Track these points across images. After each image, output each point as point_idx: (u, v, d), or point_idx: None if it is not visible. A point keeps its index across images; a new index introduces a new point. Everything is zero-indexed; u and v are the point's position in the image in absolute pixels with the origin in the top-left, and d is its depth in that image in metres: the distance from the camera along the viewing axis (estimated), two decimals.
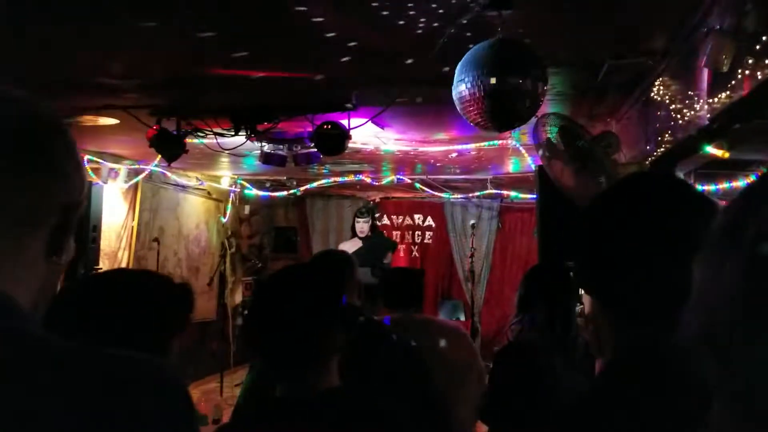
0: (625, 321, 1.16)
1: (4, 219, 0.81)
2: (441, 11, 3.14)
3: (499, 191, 9.36)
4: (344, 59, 3.88)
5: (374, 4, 3.08)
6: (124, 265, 7.35)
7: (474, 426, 3.37)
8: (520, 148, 6.47)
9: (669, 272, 1.13)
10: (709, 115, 2.91)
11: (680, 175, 4.49)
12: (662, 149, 3.83)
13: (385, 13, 3.17)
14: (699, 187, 4.89)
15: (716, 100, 2.79)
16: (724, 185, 5.77)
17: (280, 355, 1.68)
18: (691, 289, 1.17)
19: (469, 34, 3.35)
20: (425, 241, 10.57)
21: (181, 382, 0.83)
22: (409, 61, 3.88)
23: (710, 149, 3.50)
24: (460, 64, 2.98)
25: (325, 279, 1.78)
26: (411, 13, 3.19)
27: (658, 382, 1.08)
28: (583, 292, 1.26)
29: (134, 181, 7.62)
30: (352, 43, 3.62)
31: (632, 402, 1.07)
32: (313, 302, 1.71)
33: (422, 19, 3.26)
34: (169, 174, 8.23)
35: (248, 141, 5.35)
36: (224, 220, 9.74)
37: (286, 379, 1.69)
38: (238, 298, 9.77)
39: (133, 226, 7.70)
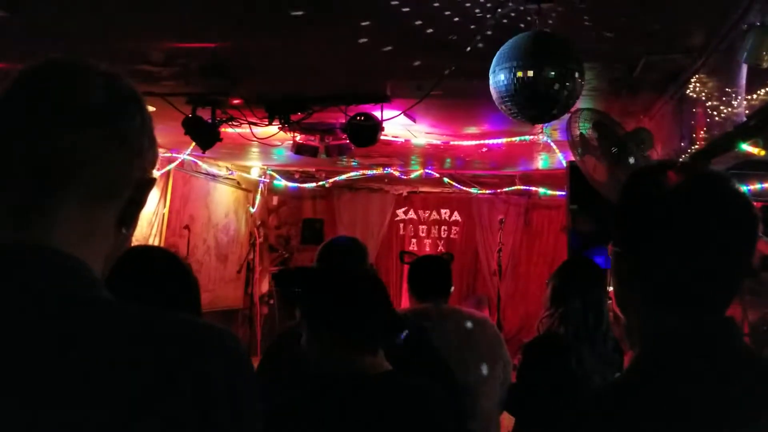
0: (662, 308, 1.18)
1: (84, 192, 0.84)
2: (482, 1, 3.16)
3: (527, 187, 9.34)
4: (381, 49, 3.91)
5: None
6: None
7: (499, 417, 3.38)
8: (551, 144, 6.46)
9: (708, 260, 1.15)
10: (746, 112, 2.90)
11: None
12: (696, 146, 3.81)
13: (436, 4, 3.19)
14: None
15: (754, 96, 2.79)
16: (755, 186, 5.71)
17: (357, 339, 1.77)
18: (731, 277, 1.19)
19: (508, 27, 3.36)
20: (452, 236, 10.58)
21: (245, 350, 0.86)
22: (447, 53, 3.89)
23: (746, 147, 3.48)
24: (497, 55, 3.00)
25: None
26: (451, 2, 3.20)
27: (706, 363, 1.10)
28: (611, 285, 1.28)
29: (166, 169, 7.73)
30: (390, 31, 3.64)
31: (677, 384, 1.08)
32: (383, 292, 1.85)
33: (463, 8, 3.27)
34: (200, 163, 8.34)
35: (281, 131, 5.41)
36: (253, 210, 9.84)
37: (350, 360, 1.77)
38: (265, 287, 9.87)
39: (164, 214, 7.81)
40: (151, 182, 0.92)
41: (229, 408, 0.79)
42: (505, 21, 3.33)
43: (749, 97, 2.85)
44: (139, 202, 0.91)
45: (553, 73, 2.88)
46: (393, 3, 3.27)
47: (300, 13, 3.45)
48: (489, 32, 3.44)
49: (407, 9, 3.32)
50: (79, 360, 0.74)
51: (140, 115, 0.90)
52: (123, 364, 0.75)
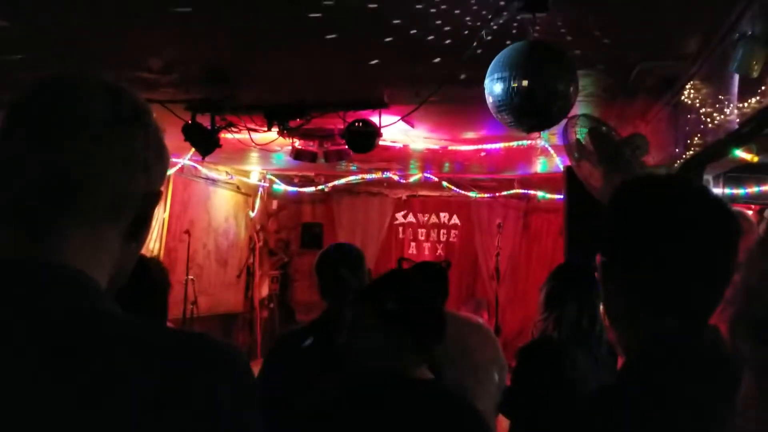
0: (649, 316, 1.22)
1: (90, 209, 0.86)
2: (475, 8, 3.20)
3: (526, 191, 9.38)
4: (378, 56, 3.95)
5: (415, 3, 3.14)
6: (154, 255, 7.48)
7: (495, 420, 3.41)
8: (549, 149, 6.50)
9: (692, 269, 1.20)
10: (738, 120, 2.94)
11: (709, 178, 4.50)
12: (691, 152, 3.85)
13: (419, 6, 3.22)
14: (728, 191, 4.90)
15: (746, 104, 2.83)
16: (752, 189, 5.76)
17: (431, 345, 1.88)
18: (714, 285, 1.23)
19: (503, 34, 3.40)
20: (450, 239, 10.60)
21: (248, 366, 0.87)
22: (443, 60, 3.93)
23: (739, 153, 3.53)
24: (492, 64, 3.03)
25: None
26: (445, 10, 3.24)
27: (694, 367, 1.14)
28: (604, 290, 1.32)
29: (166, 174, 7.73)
30: (387, 39, 3.68)
31: (667, 390, 1.12)
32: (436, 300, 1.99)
33: (458, 17, 3.31)
34: (199, 168, 8.36)
35: (280, 137, 5.44)
36: (253, 215, 9.87)
37: (417, 364, 1.86)
38: (265, 291, 9.90)
39: (164, 219, 7.83)
40: (158, 196, 0.93)
41: (233, 423, 0.80)
42: (499, 30, 3.37)
43: (740, 105, 2.89)
44: (147, 217, 0.92)
45: (547, 82, 2.91)
46: (390, 12, 3.31)
47: (299, 21, 3.49)
48: (485, 40, 3.48)
49: (404, 18, 3.35)
50: (85, 372, 0.76)
51: (144, 130, 0.90)
52: (127, 377, 0.77)
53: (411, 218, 10.66)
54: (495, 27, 3.35)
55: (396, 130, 5.70)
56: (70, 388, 0.75)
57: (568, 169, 4.88)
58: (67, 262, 0.83)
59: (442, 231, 10.64)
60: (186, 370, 0.80)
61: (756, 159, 3.55)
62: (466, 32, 3.48)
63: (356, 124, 5.04)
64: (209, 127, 5.26)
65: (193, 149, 5.56)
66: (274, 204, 10.46)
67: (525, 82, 2.86)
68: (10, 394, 0.75)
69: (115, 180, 0.87)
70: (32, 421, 0.74)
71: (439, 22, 3.36)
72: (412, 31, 3.53)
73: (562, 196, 6.26)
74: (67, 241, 0.85)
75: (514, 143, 6.40)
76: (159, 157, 0.93)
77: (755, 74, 2.57)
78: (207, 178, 8.72)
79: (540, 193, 9.40)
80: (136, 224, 0.91)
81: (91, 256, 0.87)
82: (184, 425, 0.77)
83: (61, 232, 0.85)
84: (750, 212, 4.96)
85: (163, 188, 0.91)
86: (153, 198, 0.92)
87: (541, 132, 5.70)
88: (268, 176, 9.75)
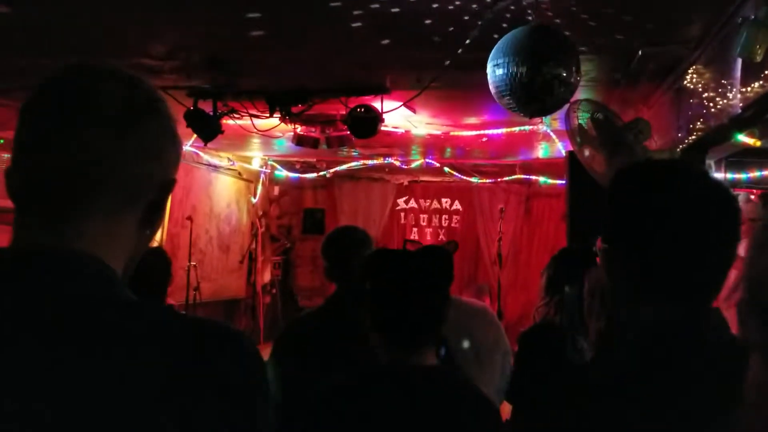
0: (650, 300, 1.23)
1: (106, 198, 0.88)
2: None
3: (527, 176, 9.38)
4: (380, 42, 3.94)
5: None
6: (157, 242, 7.50)
7: (499, 405, 3.43)
8: (551, 133, 6.49)
9: (693, 253, 1.20)
10: (741, 104, 2.94)
11: (711, 162, 4.50)
12: (694, 137, 3.84)
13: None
14: (730, 175, 4.90)
15: (749, 89, 2.82)
16: (755, 173, 5.75)
17: (407, 327, 1.82)
18: (716, 269, 1.23)
19: (505, 18, 3.39)
20: (452, 224, 10.62)
21: (259, 352, 0.89)
22: (445, 45, 3.92)
23: (742, 138, 3.53)
24: (494, 49, 3.03)
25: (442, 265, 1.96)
26: None
27: (696, 351, 1.15)
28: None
29: None
30: (388, 25, 3.67)
31: (671, 370, 1.13)
32: (439, 284, 1.91)
33: (460, 2, 3.30)
34: (201, 154, 8.36)
35: (282, 123, 5.44)
36: (254, 201, 9.88)
37: (401, 351, 1.81)
38: (267, 276, 9.94)
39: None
40: (171, 183, 0.94)
41: (244, 409, 0.82)
42: (502, 14, 3.36)
43: (743, 89, 2.89)
44: (161, 204, 0.94)
45: (550, 67, 2.91)
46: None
47: (300, 8, 3.48)
48: (487, 25, 3.47)
49: (406, 4, 3.34)
50: (100, 358, 0.78)
51: (158, 119, 0.92)
52: (140, 362, 0.78)
53: (413, 204, 10.67)
54: (497, 12, 3.34)
55: (398, 116, 5.70)
56: (87, 373, 0.77)
57: (571, 154, 4.89)
58: (84, 250, 0.85)
59: (443, 216, 10.65)
60: (199, 357, 0.81)
61: (758, 143, 3.56)
62: (468, 17, 3.47)
63: (358, 109, 5.03)
64: (211, 113, 5.26)
65: (195, 135, 5.56)
66: (276, 190, 10.47)
67: (527, 68, 2.85)
68: (29, 380, 0.76)
69: (131, 168, 0.88)
70: (50, 405, 0.75)
71: (441, 6, 3.35)
72: (414, 17, 3.52)
73: (564, 181, 6.26)
74: (85, 229, 0.87)
75: (516, 128, 6.39)
76: (173, 145, 0.95)
77: (758, 58, 2.56)
78: (209, 165, 8.72)
79: (542, 179, 9.39)
80: (150, 211, 0.93)
81: (108, 243, 0.88)
82: (196, 410, 0.78)
83: (78, 220, 0.86)
84: (752, 197, 4.96)
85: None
86: (167, 185, 0.94)
87: (543, 117, 5.69)
88: (270, 162, 9.74)
